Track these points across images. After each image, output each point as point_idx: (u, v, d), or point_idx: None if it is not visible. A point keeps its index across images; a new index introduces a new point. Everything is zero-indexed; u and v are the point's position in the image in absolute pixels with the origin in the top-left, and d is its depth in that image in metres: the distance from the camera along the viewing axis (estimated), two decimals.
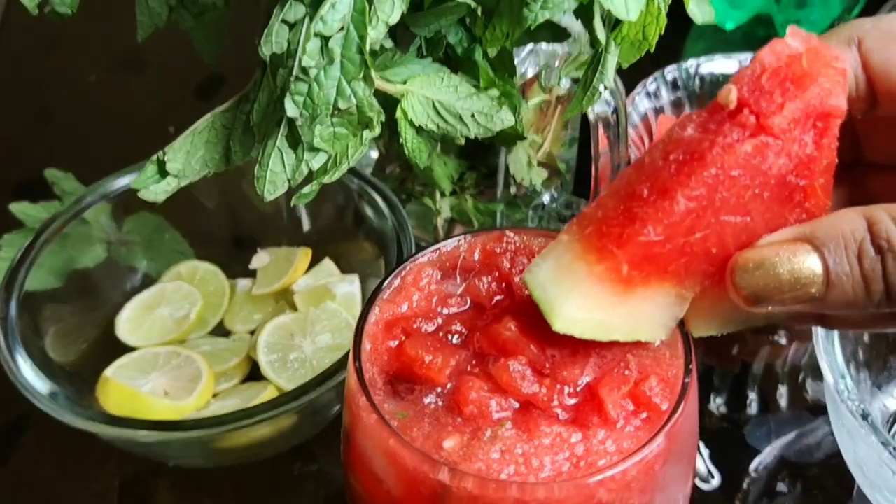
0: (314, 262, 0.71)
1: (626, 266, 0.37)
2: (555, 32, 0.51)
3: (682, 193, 0.35)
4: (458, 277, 0.43)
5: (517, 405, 0.38)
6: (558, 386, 0.38)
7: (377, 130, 0.45)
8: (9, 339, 0.60)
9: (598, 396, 0.37)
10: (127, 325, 0.67)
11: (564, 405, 0.38)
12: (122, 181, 0.70)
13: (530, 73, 0.65)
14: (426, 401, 0.38)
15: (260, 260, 0.71)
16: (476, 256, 0.44)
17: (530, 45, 0.63)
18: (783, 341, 0.75)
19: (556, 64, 0.65)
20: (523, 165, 0.71)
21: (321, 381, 0.55)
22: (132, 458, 0.65)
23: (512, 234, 0.44)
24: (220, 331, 0.70)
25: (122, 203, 0.71)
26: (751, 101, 0.35)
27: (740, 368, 0.74)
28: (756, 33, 0.97)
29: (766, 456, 0.66)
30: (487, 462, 0.35)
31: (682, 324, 0.39)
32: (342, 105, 0.42)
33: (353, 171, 0.68)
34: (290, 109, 0.42)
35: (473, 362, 0.39)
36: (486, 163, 0.72)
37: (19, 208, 0.77)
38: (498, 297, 0.42)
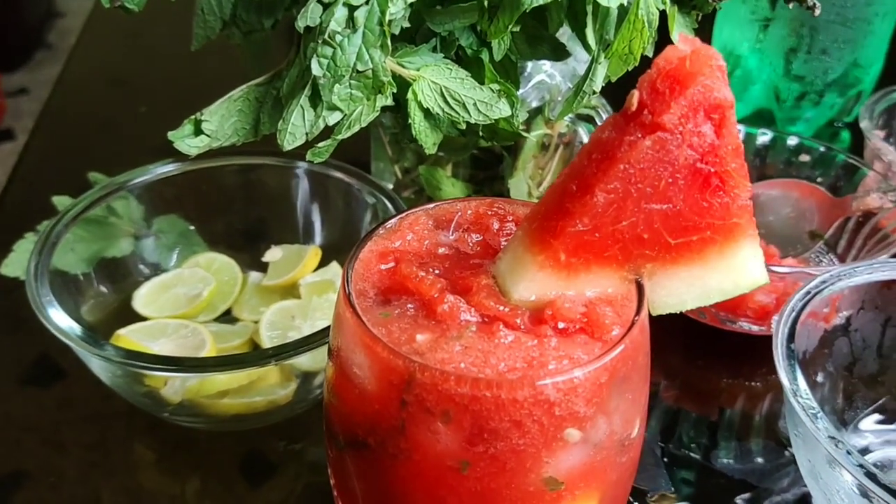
0: (322, 266, 0.77)
1: (563, 254, 0.42)
2: (555, 49, 0.58)
3: (599, 188, 0.41)
4: (450, 230, 0.49)
5: (485, 319, 0.42)
6: (521, 310, 0.43)
7: (388, 98, 0.52)
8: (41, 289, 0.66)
9: (556, 313, 0.42)
10: (143, 299, 0.73)
11: (526, 324, 0.42)
12: (143, 176, 0.77)
13: (534, 104, 0.72)
14: (408, 307, 0.43)
15: (273, 254, 0.77)
16: (468, 216, 0.49)
17: (537, 77, 0.71)
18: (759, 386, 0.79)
19: (560, 98, 0.73)
20: (523, 194, 0.77)
21: (307, 342, 0.60)
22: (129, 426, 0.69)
23: (501, 202, 0.50)
24: (228, 319, 0.75)
25: (150, 199, 0.78)
26: (648, 103, 0.41)
27: (717, 414, 0.78)
28: (756, 125, 1.04)
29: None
30: (451, 353, 0.40)
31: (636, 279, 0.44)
32: (360, 67, 0.49)
33: (373, 185, 0.75)
34: (316, 69, 0.49)
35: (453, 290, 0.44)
36: (491, 188, 0.78)
37: (59, 200, 0.85)
38: (480, 252, 0.48)
